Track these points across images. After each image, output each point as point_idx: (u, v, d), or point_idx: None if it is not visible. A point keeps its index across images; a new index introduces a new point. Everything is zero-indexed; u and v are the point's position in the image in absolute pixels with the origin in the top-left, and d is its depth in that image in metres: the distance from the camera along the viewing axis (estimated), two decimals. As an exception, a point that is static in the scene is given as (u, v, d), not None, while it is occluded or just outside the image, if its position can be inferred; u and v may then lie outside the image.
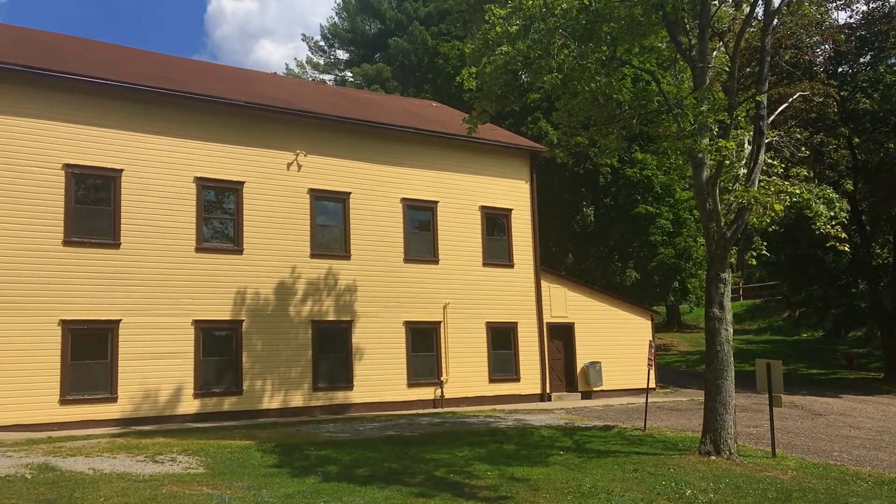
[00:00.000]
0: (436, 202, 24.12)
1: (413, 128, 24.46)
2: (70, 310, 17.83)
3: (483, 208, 25.10)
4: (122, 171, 18.95)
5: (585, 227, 37.80)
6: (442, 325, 23.59)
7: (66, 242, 18.03)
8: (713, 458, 14.55)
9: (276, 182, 21.32)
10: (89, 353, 18.05)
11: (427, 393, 22.94)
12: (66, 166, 18.24)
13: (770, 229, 16.85)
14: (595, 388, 26.19)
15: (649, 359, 19.31)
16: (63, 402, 17.45)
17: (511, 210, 25.70)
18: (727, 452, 14.66)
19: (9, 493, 10.60)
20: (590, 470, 13.41)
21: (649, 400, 19.81)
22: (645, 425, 18.66)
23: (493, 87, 15.60)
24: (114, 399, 18.11)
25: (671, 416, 21.24)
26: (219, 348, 19.96)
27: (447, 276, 23.97)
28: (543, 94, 22.59)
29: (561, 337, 26.45)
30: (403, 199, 23.51)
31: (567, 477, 12.76)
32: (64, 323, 17.72)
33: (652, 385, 21.69)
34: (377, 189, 23.04)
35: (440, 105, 33.14)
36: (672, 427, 19.09)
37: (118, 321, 18.41)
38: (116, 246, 18.70)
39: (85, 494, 10.61)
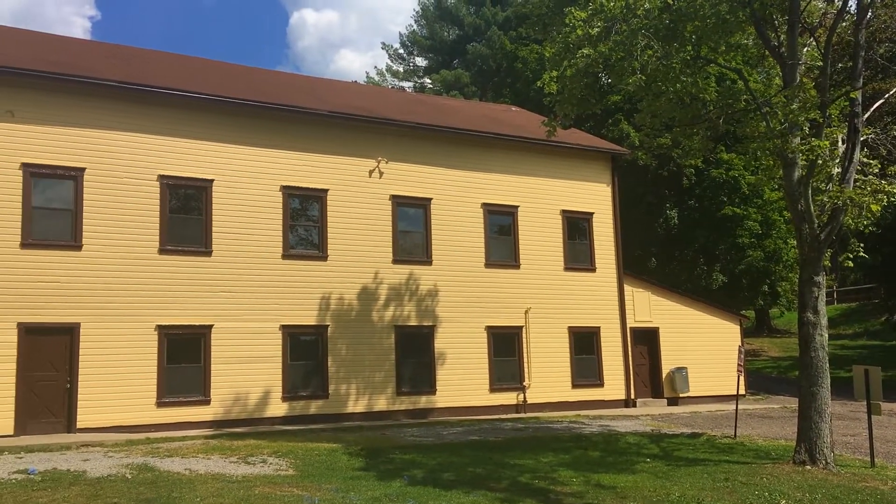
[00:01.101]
0: (516, 207, 24.08)
1: (493, 133, 24.49)
2: (166, 315, 18.54)
3: (564, 212, 24.92)
4: (212, 180, 19.60)
5: (669, 230, 37.04)
6: (524, 329, 23.52)
7: (162, 251, 18.76)
8: (808, 467, 14.03)
9: (359, 189, 21.67)
10: (184, 357, 18.72)
11: (509, 398, 22.90)
12: (161, 177, 18.98)
13: (866, 230, 16.18)
14: (681, 395, 25.64)
15: (739, 364, 18.77)
16: (160, 404, 18.15)
17: (592, 214, 25.44)
18: (823, 462, 14.11)
19: (111, 493, 11.09)
20: (678, 478, 13.13)
21: (739, 407, 19.25)
22: (735, 433, 18.16)
23: (574, 90, 15.48)
24: (207, 402, 18.73)
25: (763, 424, 20.61)
26: (305, 353, 20.40)
27: (528, 281, 23.89)
28: (625, 96, 22.28)
29: (645, 342, 26.00)
30: (484, 204, 23.55)
31: (655, 485, 12.53)
32: (160, 328, 18.43)
33: (742, 391, 21.11)
34: (458, 194, 23.15)
35: (520, 109, 33.06)
36: (764, 435, 18.51)
37: (210, 326, 19.03)
38: (208, 253, 19.34)
39: (182, 494, 11.01)
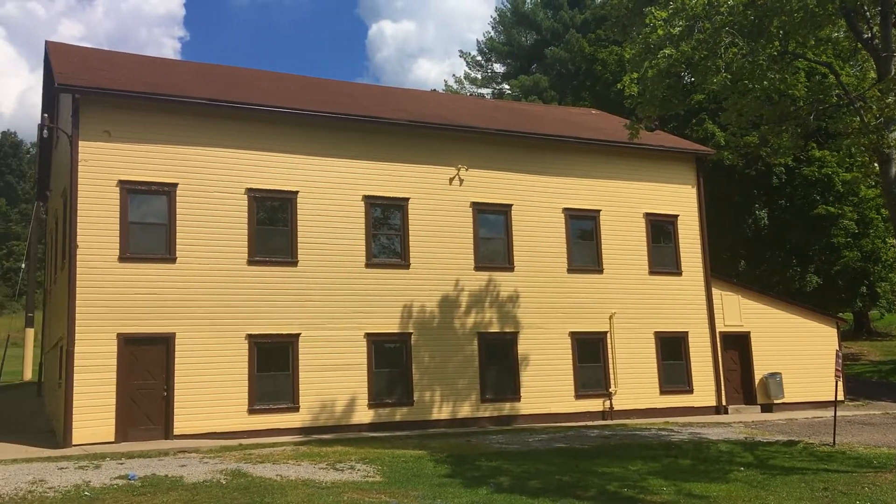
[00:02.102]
0: (598, 211, 23.79)
1: (573, 137, 24.28)
2: (255, 325, 19.04)
3: (648, 215, 24.47)
4: (297, 192, 20.05)
5: (759, 231, 35.89)
6: (608, 335, 23.17)
7: (251, 262, 19.28)
8: (915, 477, 13.36)
9: (440, 197, 21.80)
10: (273, 365, 19.18)
11: (595, 405, 22.58)
12: (249, 190, 19.53)
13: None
14: (776, 401, 24.77)
15: (837, 369, 18.04)
16: (251, 411, 18.63)
17: (677, 216, 24.90)
18: (931, 472, 13.41)
19: (207, 498, 11.45)
20: (774, 488, 12.70)
21: (838, 413, 18.49)
22: (834, 440, 17.44)
23: (656, 91, 15.22)
24: (296, 409, 19.13)
25: (863, 431, 19.73)
26: (390, 360, 20.61)
27: (612, 286, 23.54)
28: (709, 95, 21.75)
29: (736, 346, 25.25)
30: (565, 209, 23.35)
31: (749, 495, 12.15)
32: (250, 337, 18.94)
33: (840, 397, 20.25)
34: (539, 200, 23.02)
35: (600, 112, 32.69)
36: (865, 443, 17.71)
37: (298, 335, 19.45)
38: (294, 264, 19.77)
39: (274, 500, 11.28)
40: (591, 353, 22.94)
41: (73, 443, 16.61)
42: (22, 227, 72.32)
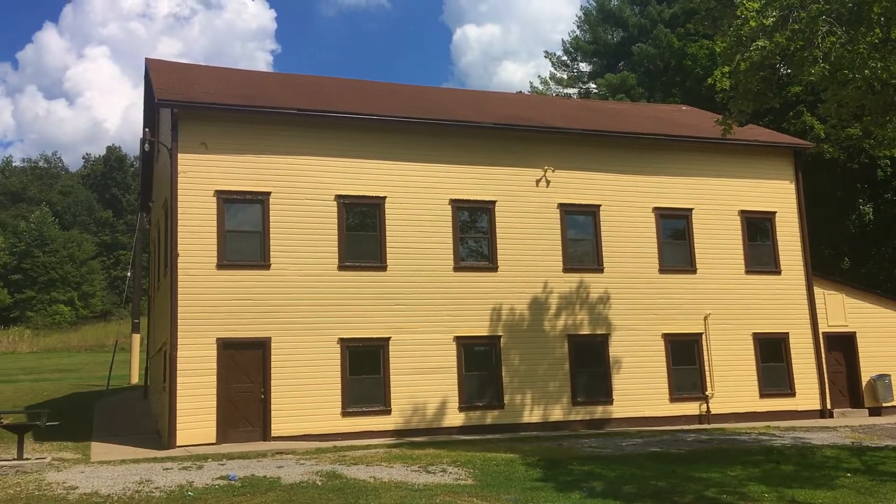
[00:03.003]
0: (690, 209, 23.19)
1: (662, 134, 23.78)
2: (347, 329, 19.37)
3: (743, 213, 23.72)
4: (385, 197, 20.32)
5: (863, 227, 34.29)
6: (703, 336, 22.55)
7: (341, 267, 19.63)
8: None
9: (526, 199, 21.69)
10: (365, 368, 19.47)
11: (691, 408, 22.01)
12: (338, 197, 19.90)
13: None
14: (884, 404, 23.61)
15: (951, 372, 17.03)
16: (344, 413, 18.96)
17: (774, 213, 24.04)
18: None
19: (303, 499, 11.72)
20: (884, 495, 12.09)
21: (954, 418, 17.46)
22: (950, 447, 16.48)
23: (750, 84, 14.74)
24: (388, 411, 19.36)
25: (983, 438, 18.57)
26: (479, 363, 20.62)
27: (706, 286, 22.90)
28: (807, 87, 20.93)
29: (840, 348, 24.18)
30: (656, 209, 22.87)
31: (857, 502, 11.61)
32: (342, 341, 19.28)
33: (956, 401, 19.12)
34: (628, 200, 22.63)
35: (690, 108, 31.89)
36: None
37: (388, 338, 19.68)
38: (383, 268, 20.03)
39: (368, 501, 11.45)
40: (685, 356, 22.37)
41: (177, 444, 17.28)
42: (127, 237, 75.84)
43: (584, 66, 57.68)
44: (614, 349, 21.74)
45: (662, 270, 22.62)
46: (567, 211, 22.06)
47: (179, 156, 18.59)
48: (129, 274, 40.95)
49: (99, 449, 17.31)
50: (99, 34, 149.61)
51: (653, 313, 22.24)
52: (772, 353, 23.13)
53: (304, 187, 19.63)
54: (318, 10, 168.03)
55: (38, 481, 13.11)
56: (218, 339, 18.24)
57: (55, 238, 73.97)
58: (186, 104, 18.92)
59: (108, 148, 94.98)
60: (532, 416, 20.69)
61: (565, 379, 21.17)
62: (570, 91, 56.16)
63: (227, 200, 18.96)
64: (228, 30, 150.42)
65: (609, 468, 14.50)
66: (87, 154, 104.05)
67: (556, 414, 20.90)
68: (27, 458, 15.59)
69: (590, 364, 21.55)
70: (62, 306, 70.42)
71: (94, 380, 32.27)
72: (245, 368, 18.46)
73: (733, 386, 22.47)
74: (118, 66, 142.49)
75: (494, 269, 21.08)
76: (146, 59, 23.12)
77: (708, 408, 22.07)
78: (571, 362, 21.31)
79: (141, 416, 23.12)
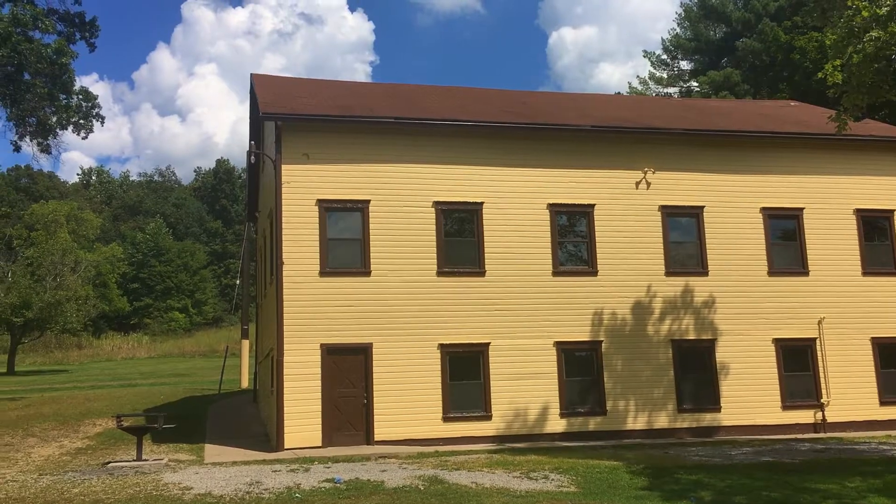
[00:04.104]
0: (801, 209, 22.22)
1: (769, 132, 22.92)
2: (446, 334, 19.48)
3: (858, 211, 22.56)
4: (482, 203, 20.34)
5: None
6: (817, 341, 21.54)
7: (440, 273, 19.77)
8: None
9: (626, 201, 21.30)
10: (465, 374, 19.52)
11: (804, 416, 21.05)
12: (436, 203, 20.06)
13: None
14: None
15: None
16: (445, 419, 19.06)
17: (893, 211, 22.76)
18: None
19: (406, 502, 11.84)
20: None
21: None
22: None
23: (864, 78, 14.01)
24: (488, 417, 19.35)
25: None
26: (580, 369, 20.35)
27: (820, 289, 21.87)
28: (927, 76, 19.69)
29: (970, 353, 22.59)
30: (763, 209, 22.03)
31: None
32: (442, 346, 19.40)
33: None
34: (733, 200, 21.88)
35: (799, 104, 30.60)
36: None
37: (487, 344, 19.68)
38: (482, 274, 20.05)
39: (469, 506, 11.45)
40: (798, 361, 21.42)
41: (285, 447, 17.78)
42: (236, 246, 78.85)
43: (685, 64, 56.35)
44: (721, 355, 21.04)
45: (772, 273, 21.75)
46: (669, 213, 21.52)
47: (283, 167, 19.16)
48: (237, 282, 42.52)
49: (212, 451, 18.01)
50: (208, 52, 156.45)
51: (762, 318, 21.40)
52: (893, 358, 21.87)
53: (402, 194, 19.88)
54: (415, 19, 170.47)
55: (156, 482, 13.74)
56: (322, 345, 18.67)
57: (170, 248, 77.69)
58: (289, 117, 19.50)
59: (218, 161, 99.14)
60: (636, 422, 20.25)
61: (670, 385, 20.63)
62: (671, 90, 54.91)
63: (329, 209, 19.41)
64: (329, 43, 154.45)
65: (718, 478, 14.03)
66: (198, 167, 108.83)
67: (661, 421, 20.39)
68: (146, 459, 16.39)
69: (696, 370, 20.93)
70: (177, 313, 73.84)
71: (206, 384, 33.65)
72: (348, 373, 18.82)
73: (851, 393, 21.36)
74: (226, 83, 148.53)
75: (594, 273, 20.77)
76: (251, 74, 23.96)
77: (823, 416, 21.07)
78: (676, 368, 20.76)
79: (250, 419, 23.91)
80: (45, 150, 22.99)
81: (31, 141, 22.65)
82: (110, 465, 16.09)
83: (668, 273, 21.20)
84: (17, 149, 22.75)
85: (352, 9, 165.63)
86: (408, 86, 27.25)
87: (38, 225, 65.45)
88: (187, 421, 21.49)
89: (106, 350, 60.47)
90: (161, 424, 17.39)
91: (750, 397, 20.88)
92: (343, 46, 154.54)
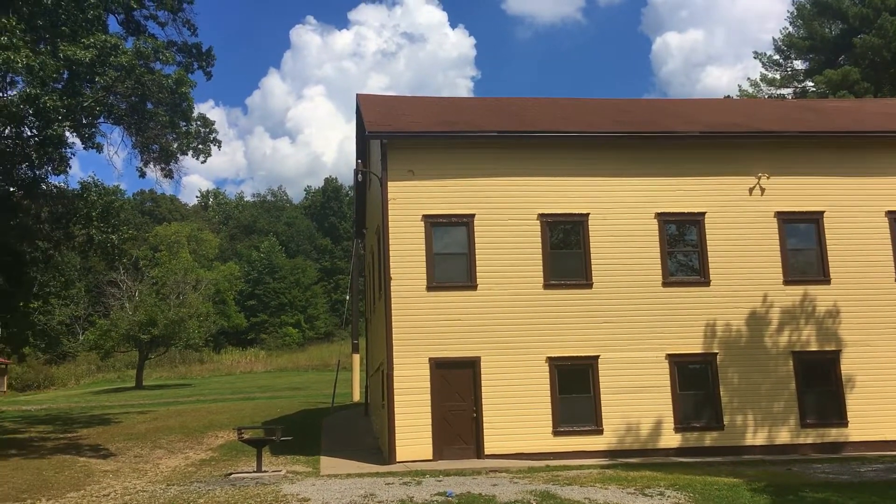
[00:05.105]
0: (933, 211, 20.92)
1: (894, 131, 21.68)
2: (554, 348, 19.30)
3: None
4: (588, 214, 20.10)
5: None
6: (955, 352, 20.14)
7: (546, 286, 19.64)
8: None
9: (738, 209, 20.59)
10: (574, 387, 19.27)
11: (942, 432, 19.70)
12: (541, 215, 19.96)
13: None
14: None
15: None
16: (555, 433, 18.86)
17: None
18: None
19: (518, 516, 11.76)
20: None
21: None
22: None
23: None
24: (599, 431, 19.03)
25: None
26: (694, 382, 19.75)
27: (955, 295, 20.46)
28: None
29: None
30: (889, 212, 20.86)
31: None
32: (550, 360, 19.24)
33: None
34: (856, 204, 20.81)
35: (926, 99, 28.83)
36: None
37: (596, 357, 19.38)
38: (589, 286, 19.79)
39: (582, 522, 11.27)
40: (933, 374, 20.07)
41: (397, 460, 18.02)
42: (345, 262, 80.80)
43: (799, 64, 54.05)
44: (847, 366, 19.98)
45: (901, 279, 20.54)
46: (785, 219, 20.67)
47: (389, 183, 19.53)
48: (347, 297, 43.50)
49: (327, 463, 18.45)
50: (315, 75, 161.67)
51: (891, 327, 20.20)
52: None
53: (507, 207, 19.89)
54: (515, 33, 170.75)
55: (275, 492, 14.19)
56: (430, 359, 18.84)
57: (283, 266, 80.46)
58: (394, 134, 19.87)
59: (326, 179, 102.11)
60: (755, 438, 19.47)
61: (791, 399, 19.74)
62: (784, 91, 52.80)
63: (434, 224, 19.62)
64: (431, 60, 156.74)
65: (847, 496, 13.31)
66: (307, 186, 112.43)
67: (783, 436, 19.52)
68: (265, 471, 16.96)
69: (819, 383, 19.96)
70: (290, 329, 76.28)
71: (320, 397, 34.53)
72: (457, 387, 18.91)
73: None
74: (333, 103, 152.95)
75: (706, 283, 20.16)
76: (357, 94, 24.56)
77: (964, 432, 19.66)
78: (798, 381, 19.85)
79: (362, 432, 24.37)
80: (168, 175, 24.24)
81: (154, 167, 23.94)
82: (232, 476, 16.74)
83: (787, 282, 20.33)
84: (143, 175, 24.08)
85: (453, 25, 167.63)
86: (510, 99, 27.28)
87: (161, 246, 69.26)
88: (303, 433, 22.11)
89: (226, 364, 63.05)
90: (279, 437, 17.97)
91: (879, 411, 19.73)
92: (445, 63, 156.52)
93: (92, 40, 19.80)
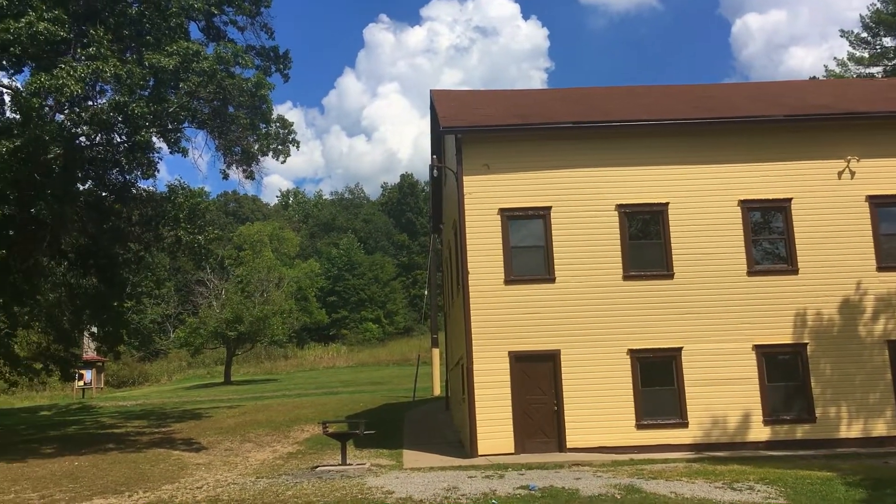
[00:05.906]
0: None
1: None
2: (635, 339, 19.02)
3: None
4: (667, 203, 19.71)
5: None
6: None
7: (626, 277, 19.36)
8: None
9: (827, 194, 19.86)
10: (656, 379, 18.97)
11: None
12: (619, 206, 19.67)
13: None
14: None
15: None
16: (638, 426, 18.60)
17: None
18: None
19: (602, 510, 11.67)
20: None
21: None
22: None
23: None
24: (684, 424, 18.67)
25: None
26: (783, 373, 19.17)
27: None
28: None
29: None
30: None
31: None
32: (631, 352, 18.97)
33: None
34: (955, 184, 19.81)
35: None
36: None
37: (679, 349, 19.01)
38: (670, 276, 19.42)
39: (668, 517, 11.10)
40: None
41: (479, 453, 18.09)
42: (422, 257, 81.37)
43: (889, 41, 51.62)
44: (948, 356, 19.06)
45: None
46: (878, 203, 19.83)
47: (465, 178, 19.57)
48: (425, 292, 43.87)
49: (409, 456, 18.68)
50: (389, 73, 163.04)
51: None
52: None
53: (583, 199, 19.69)
54: (589, 22, 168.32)
55: (360, 485, 14.45)
56: (510, 353, 18.82)
57: (361, 262, 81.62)
58: (468, 129, 19.90)
59: (402, 176, 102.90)
60: (850, 430, 18.78)
61: (888, 390, 18.96)
62: (874, 70, 50.57)
63: (511, 217, 19.58)
64: (504, 53, 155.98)
65: (950, 492, 12.71)
66: (384, 183, 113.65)
67: (879, 429, 18.78)
68: (350, 464, 17.28)
69: (917, 373, 19.09)
70: (370, 324, 77.36)
71: (401, 391, 34.95)
72: (537, 380, 18.84)
73: None
74: (407, 100, 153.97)
75: (794, 271, 19.52)
76: (431, 90, 24.68)
77: None
78: (894, 371, 19.04)
79: (444, 425, 24.56)
80: (250, 176, 24.83)
81: (237, 168, 24.56)
82: (318, 468, 17.12)
83: (881, 268, 19.52)
84: (226, 176, 24.75)
85: (525, 17, 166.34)
86: (584, 89, 26.94)
87: (245, 245, 71.12)
88: (385, 427, 22.41)
89: (309, 360, 64.39)
90: (363, 431, 18.28)
91: (985, 403, 18.76)
92: (518, 55, 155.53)
93: (175, 48, 20.47)
